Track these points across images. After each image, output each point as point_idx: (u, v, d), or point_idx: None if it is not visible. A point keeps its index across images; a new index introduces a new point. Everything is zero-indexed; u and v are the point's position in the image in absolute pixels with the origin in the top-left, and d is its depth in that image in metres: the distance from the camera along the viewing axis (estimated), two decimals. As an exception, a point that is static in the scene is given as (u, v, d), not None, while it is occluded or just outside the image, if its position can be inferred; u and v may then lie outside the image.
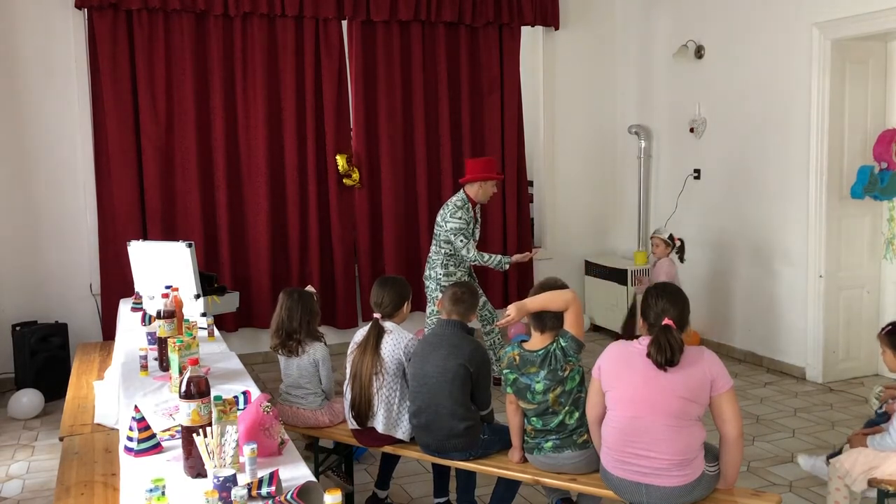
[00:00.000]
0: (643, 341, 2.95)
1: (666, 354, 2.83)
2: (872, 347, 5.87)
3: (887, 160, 5.50)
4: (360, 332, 3.70)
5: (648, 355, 2.87)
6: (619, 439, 2.96)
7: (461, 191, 5.52)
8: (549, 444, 3.24)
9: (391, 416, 3.57)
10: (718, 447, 3.05)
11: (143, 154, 6.19)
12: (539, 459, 3.29)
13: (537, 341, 3.27)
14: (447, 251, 5.45)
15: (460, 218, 5.35)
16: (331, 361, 3.93)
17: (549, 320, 3.24)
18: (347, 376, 3.66)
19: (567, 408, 3.20)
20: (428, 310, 5.63)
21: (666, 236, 6.11)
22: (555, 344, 3.21)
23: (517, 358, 3.26)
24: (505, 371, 3.30)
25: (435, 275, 5.49)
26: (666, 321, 2.88)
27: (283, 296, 3.92)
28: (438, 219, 5.49)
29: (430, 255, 5.58)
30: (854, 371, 5.91)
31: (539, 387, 3.19)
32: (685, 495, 2.92)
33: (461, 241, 5.32)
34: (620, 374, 2.97)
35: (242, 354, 4.53)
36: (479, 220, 5.61)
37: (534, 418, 3.27)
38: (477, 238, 5.51)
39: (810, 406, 5.39)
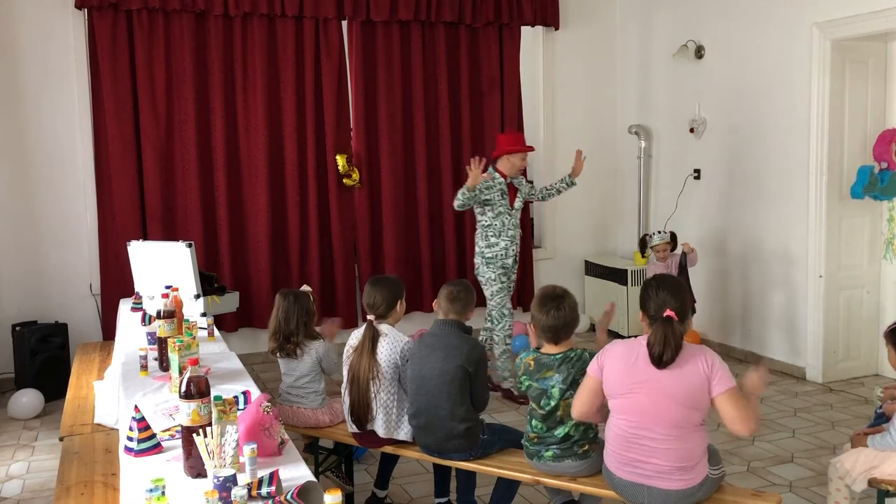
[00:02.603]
0: (644, 340, 2.93)
1: (668, 346, 2.78)
2: (872, 347, 5.89)
3: (887, 160, 5.50)
4: (355, 336, 3.67)
5: (649, 346, 2.84)
6: (621, 444, 2.96)
7: (491, 167, 5.55)
8: (550, 453, 3.23)
9: (391, 420, 3.56)
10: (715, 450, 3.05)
11: (143, 154, 6.19)
12: (539, 466, 3.29)
13: (553, 349, 3.25)
14: (483, 223, 5.53)
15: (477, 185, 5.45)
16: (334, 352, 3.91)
17: (562, 333, 3.22)
18: (345, 381, 3.65)
19: (574, 421, 3.18)
20: (486, 291, 5.61)
21: (667, 238, 6.13)
22: (574, 351, 3.21)
23: (532, 363, 3.24)
24: (522, 377, 3.28)
25: (479, 249, 5.57)
26: (668, 313, 2.84)
27: (279, 298, 3.89)
28: None
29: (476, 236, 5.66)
30: (854, 371, 5.91)
31: (555, 392, 3.16)
32: (687, 498, 2.91)
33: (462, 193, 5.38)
34: (623, 383, 2.93)
35: (242, 354, 4.54)
36: (519, 193, 5.61)
37: (536, 422, 3.25)
38: (511, 207, 5.52)
39: (810, 406, 5.39)
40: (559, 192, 5.88)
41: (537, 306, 3.25)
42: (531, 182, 5.82)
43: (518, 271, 7.22)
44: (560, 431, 3.20)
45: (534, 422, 3.27)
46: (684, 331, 2.92)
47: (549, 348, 3.25)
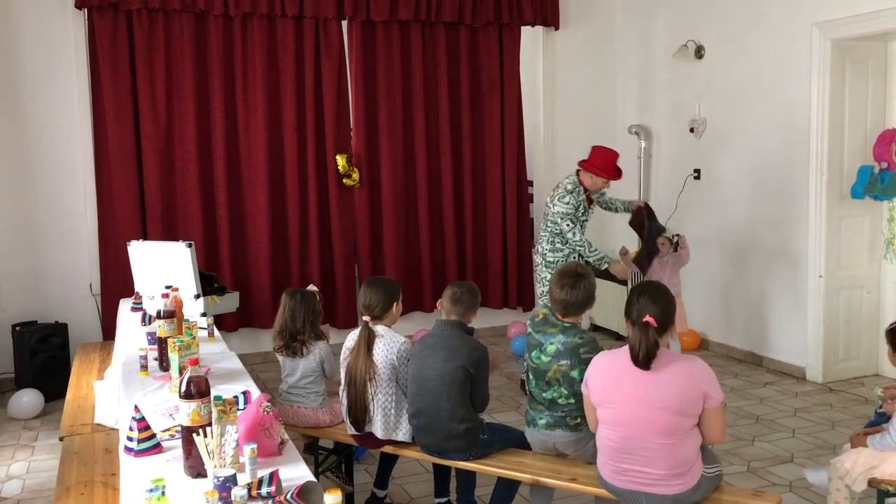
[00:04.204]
0: (626, 350, 2.94)
1: (641, 348, 2.83)
2: (872, 347, 5.89)
3: (887, 160, 5.50)
4: (351, 337, 3.67)
5: (630, 349, 2.88)
6: (613, 455, 2.96)
7: (575, 174, 5.45)
8: (543, 420, 3.31)
9: (389, 421, 3.55)
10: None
11: (143, 154, 6.19)
12: (534, 434, 3.37)
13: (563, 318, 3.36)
14: (553, 230, 5.48)
15: (567, 203, 5.36)
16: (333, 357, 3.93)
17: (571, 309, 3.32)
18: (343, 382, 3.65)
19: (563, 389, 3.25)
20: (537, 290, 5.63)
21: (671, 236, 6.13)
22: (584, 330, 3.32)
23: (542, 315, 3.35)
24: (529, 323, 3.42)
25: (542, 250, 5.56)
26: (646, 318, 2.87)
27: (286, 297, 3.90)
28: (547, 199, 5.52)
29: (539, 231, 5.64)
30: (854, 371, 5.91)
31: (551, 349, 3.24)
32: (685, 500, 2.92)
33: (567, 225, 5.36)
34: (608, 394, 2.95)
35: (242, 354, 4.53)
36: (593, 202, 5.58)
37: (532, 376, 3.35)
38: (586, 221, 5.52)
39: (810, 406, 5.39)
40: (616, 210, 5.79)
41: (556, 278, 3.36)
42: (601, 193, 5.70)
43: (516, 271, 7.29)
44: (548, 394, 3.29)
45: (530, 375, 3.37)
46: (666, 336, 2.96)
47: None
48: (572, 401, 3.23)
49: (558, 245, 5.47)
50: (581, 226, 5.45)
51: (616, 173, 5.44)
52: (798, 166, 5.88)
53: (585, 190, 5.42)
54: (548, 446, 3.37)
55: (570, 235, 5.37)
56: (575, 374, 3.21)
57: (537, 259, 5.60)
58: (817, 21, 5.64)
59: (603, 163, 5.39)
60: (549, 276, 5.45)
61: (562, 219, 5.36)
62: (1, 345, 5.95)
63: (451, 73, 7.01)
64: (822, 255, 5.75)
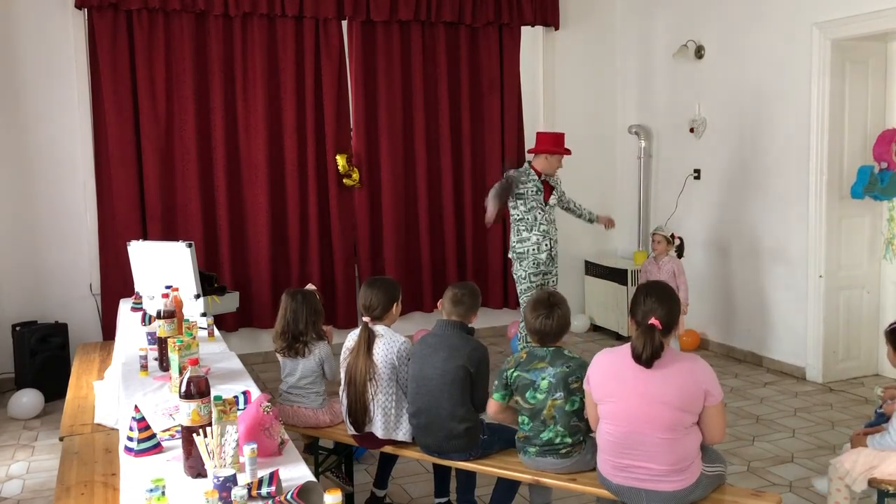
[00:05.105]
0: (628, 348, 2.93)
1: (645, 350, 2.82)
2: (872, 347, 5.89)
3: (887, 160, 5.50)
4: (351, 338, 3.67)
5: (632, 349, 2.87)
6: (614, 450, 2.96)
7: (527, 164, 5.66)
8: (534, 450, 3.26)
9: (389, 421, 3.55)
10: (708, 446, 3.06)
11: (143, 154, 6.19)
12: (525, 461, 3.33)
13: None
14: (514, 216, 5.57)
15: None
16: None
17: (547, 339, 3.26)
18: (343, 382, 3.65)
19: (559, 427, 3.19)
20: (518, 288, 5.71)
21: (668, 234, 6.15)
22: (571, 353, 3.25)
23: (525, 355, 3.27)
24: (509, 370, 3.28)
25: (511, 244, 5.65)
26: (652, 321, 2.87)
27: (287, 298, 3.89)
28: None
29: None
30: (854, 371, 5.91)
31: (544, 384, 3.18)
32: (685, 498, 2.93)
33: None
34: (610, 389, 2.95)
35: (242, 354, 4.53)
36: (554, 188, 5.71)
37: (526, 418, 3.26)
38: (546, 204, 5.62)
39: (810, 406, 5.39)
40: (579, 216, 5.97)
41: (530, 308, 3.32)
42: (563, 191, 5.88)
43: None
44: (545, 435, 3.21)
45: (523, 418, 3.28)
46: (670, 337, 2.95)
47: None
48: (568, 440, 3.20)
49: (524, 234, 5.54)
50: (542, 210, 5.57)
51: (566, 149, 5.67)
52: (798, 166, 5.88)
53: (539, 175, 5.58)
54: (538, 468, 3.32)
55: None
56: (568, 406, 3.18)
57: (511, 256, 5.68)
58: (817, 21, 5.64)
59: (551, 141, 5.62)
60: (522, 274, 5.56)
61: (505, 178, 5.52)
62: (1, 345, 5.95)
63: (451, 73, 7.01)
64: (822, 255, 5.75)
